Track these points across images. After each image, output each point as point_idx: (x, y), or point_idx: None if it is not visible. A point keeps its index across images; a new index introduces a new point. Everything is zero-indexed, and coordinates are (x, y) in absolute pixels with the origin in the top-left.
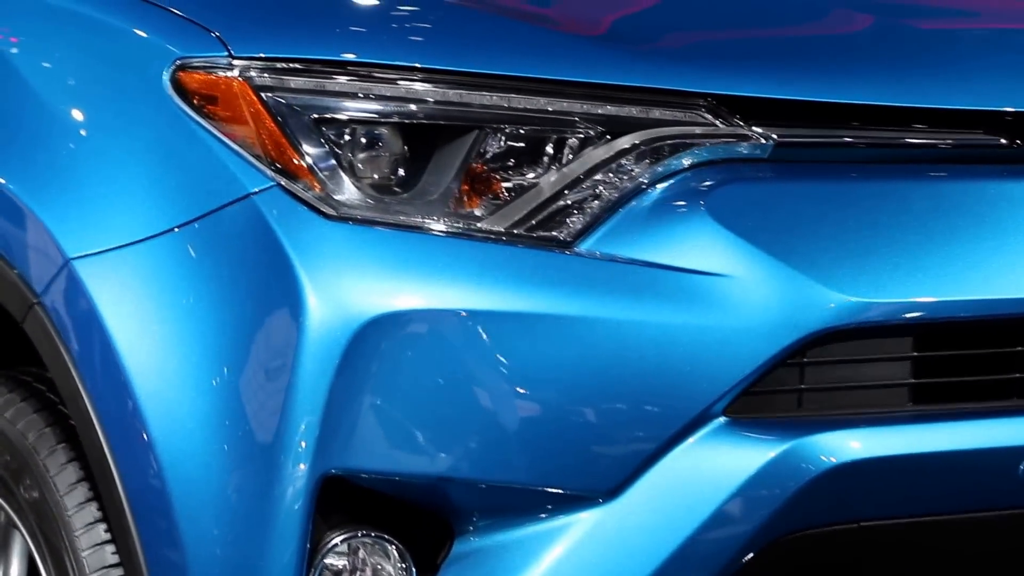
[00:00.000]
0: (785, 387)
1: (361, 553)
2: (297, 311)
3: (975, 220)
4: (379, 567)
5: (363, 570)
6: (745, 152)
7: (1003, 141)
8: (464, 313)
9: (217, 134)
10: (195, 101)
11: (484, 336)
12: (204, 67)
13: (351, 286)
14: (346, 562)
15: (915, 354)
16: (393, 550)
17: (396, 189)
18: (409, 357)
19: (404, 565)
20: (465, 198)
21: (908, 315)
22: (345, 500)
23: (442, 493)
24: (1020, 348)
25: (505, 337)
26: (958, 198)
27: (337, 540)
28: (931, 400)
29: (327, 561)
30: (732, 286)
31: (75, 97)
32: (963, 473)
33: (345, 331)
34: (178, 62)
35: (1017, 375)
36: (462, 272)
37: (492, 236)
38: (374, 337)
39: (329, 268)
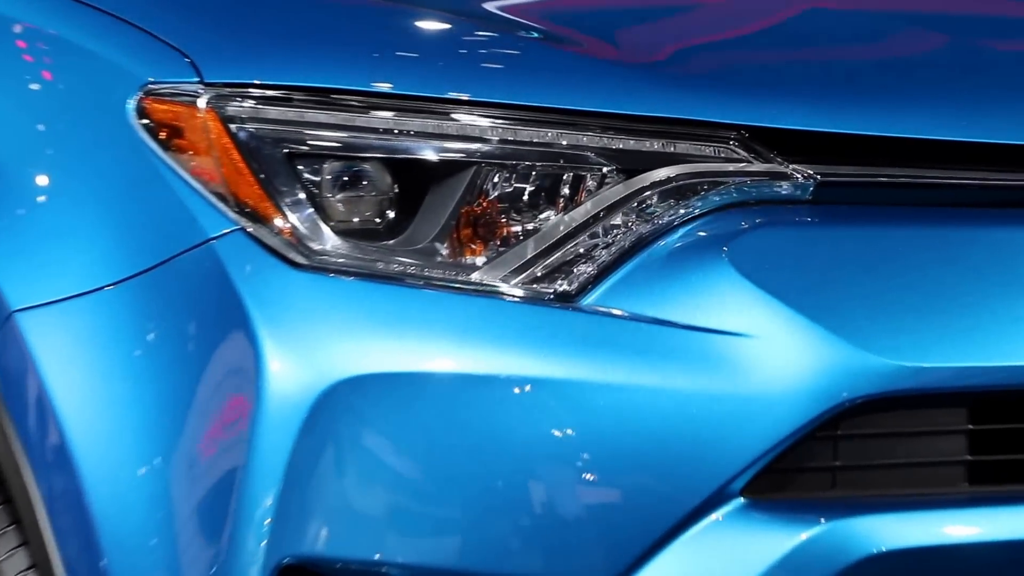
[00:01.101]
0: (815, 464)
1: None
2: (255, 377)
3: None
4: None
5: None
6: (783, 192)
7: None
8: (447, 378)
9: (179, 170)
10: (160, 134)
11: (471, 404)
12: (171, 94)
13: (318, 346)
14: None
15: (969, 427)
16: None
17: (382, 234)
18: (383, 429)
19: None
20: (459, 245)
21: (961, 382)
22: None
23: None
24: None
25: (495, 405)
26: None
27: None
28: (988, 480)
29: None
30: (754, 348)
31: (29, 126)
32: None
33: (307, 399)
34: (145, 88)
35: None
36: (448, 331)
37: (485, 289)
38: (342, 406)
39: (294, 325)
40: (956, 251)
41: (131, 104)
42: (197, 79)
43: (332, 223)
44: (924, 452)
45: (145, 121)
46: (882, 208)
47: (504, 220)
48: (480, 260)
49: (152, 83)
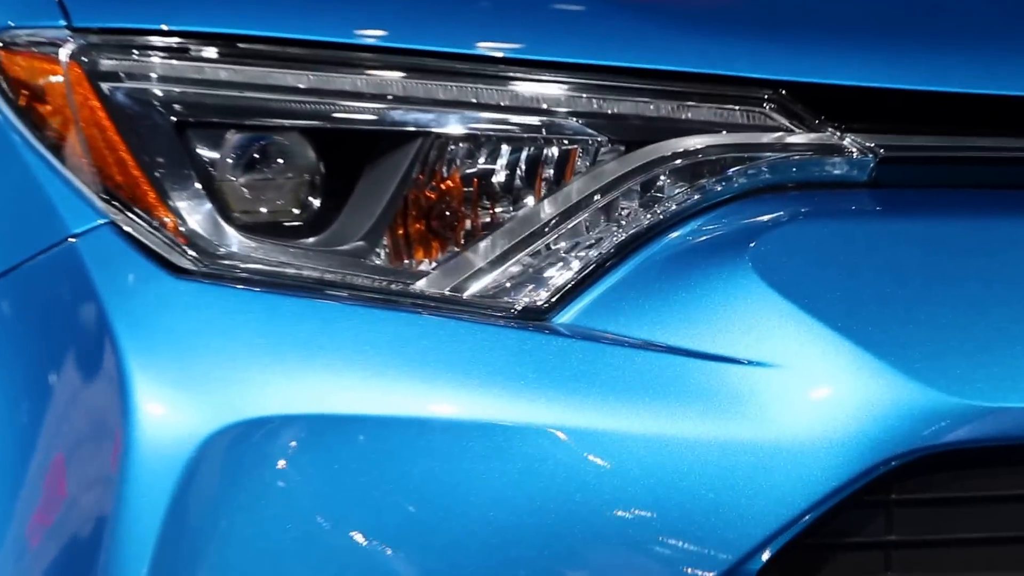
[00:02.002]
0: (863, 538)
1: None
2: (122, 421)
3: None
4: None
5: None
6: (833, 172)
7: None
8: (373, 421)
9: (38, 146)
10: (18, 97)
11: (402, 455)
12: (30, 44)
13: (205, 381)
14: None
15: None
16: None
17: (303, 230)
18: (290, 487)
19: None
20: (400, 244)
21: None
22: None
23: None
24: None
25: (434, 457)
26: None
27: None
28: None
29: None
30: (780, 382)
31: None
32: None
33: (189, 450)
34: (1, 36)
35: None
36: (376, 359)
37: (429, 303)
38: (236, 458)
39: (174, 353)
40: None
41: None
42: (64, 23)
43: (235, 215)
44: (1012, 524)
45: (6, 81)
46: (965, 194)
47: (459, 210)
48: (426, 264)
49: (11, 28)
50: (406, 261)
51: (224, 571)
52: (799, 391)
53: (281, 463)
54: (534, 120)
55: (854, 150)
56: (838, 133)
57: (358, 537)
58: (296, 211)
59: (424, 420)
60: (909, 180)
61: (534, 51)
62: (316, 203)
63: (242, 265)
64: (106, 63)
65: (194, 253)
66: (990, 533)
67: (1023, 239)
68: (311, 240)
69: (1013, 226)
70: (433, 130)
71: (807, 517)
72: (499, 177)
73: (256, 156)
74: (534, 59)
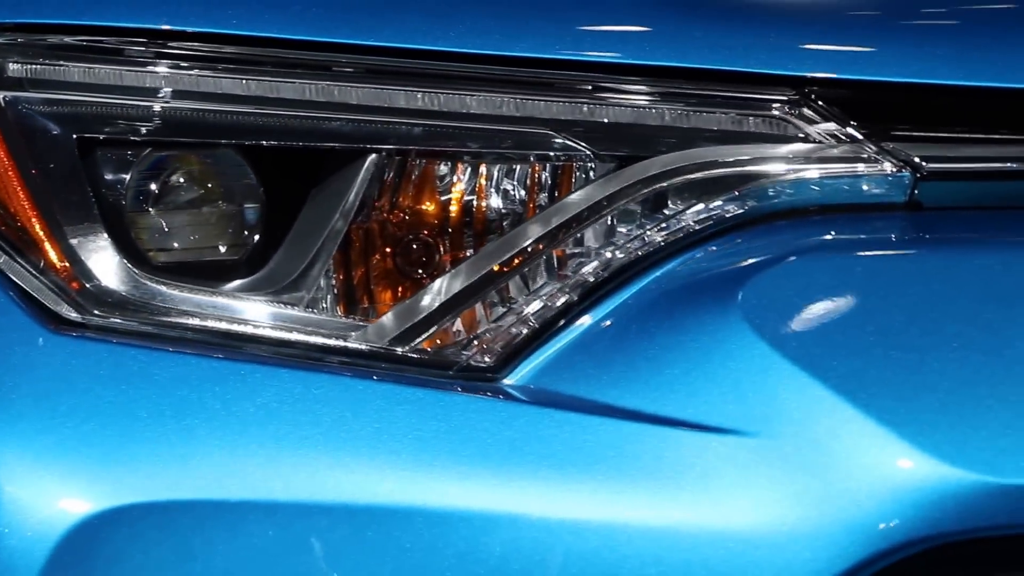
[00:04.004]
0: None
1: None
2: None
3: None
4: None
5: None
6: (865, 192)
7: None
8: (261, 507)
9: None
10: None
11: (313, 552)
12: None
13: (66, 458)
14: None
15: None
16: None
17: (242, 269)
18: None
19: None
20: (340, 286)
21: None
22: None
23: None
24: None
25: (352, 555)
26: None
27: None
28: None
29: None
30: (764, 454)
31: None
32: None
33: (43, 544)
34: None
35: None
36: (286, 431)
37: (357, 361)
38: (110, 552)
39: (40, 422)
40: None
41: None
42: None
43: (150, 253)
44: None
45: None
46: (1020, 216)
47: (405, 247)
48: (364, 311)
49: None
50: (338, 308)
51: None
52: (783, 466)
53: (154, 560)
54: (506, 129)
55: (889, 164)
56: (870, 142)
57: None
58: (224, 247)
59: (325, 506)
60: (960, 200)
61: (507, 47)
62: (254, 237)
63: (138, 317)
64: (4, 67)
65: (84, 301)
66: None
67: None
68: (239, 283)
69: None
70: (382, 148)
71: None
72: (456, 205)
73: (180, 181)
74: (507, 55)
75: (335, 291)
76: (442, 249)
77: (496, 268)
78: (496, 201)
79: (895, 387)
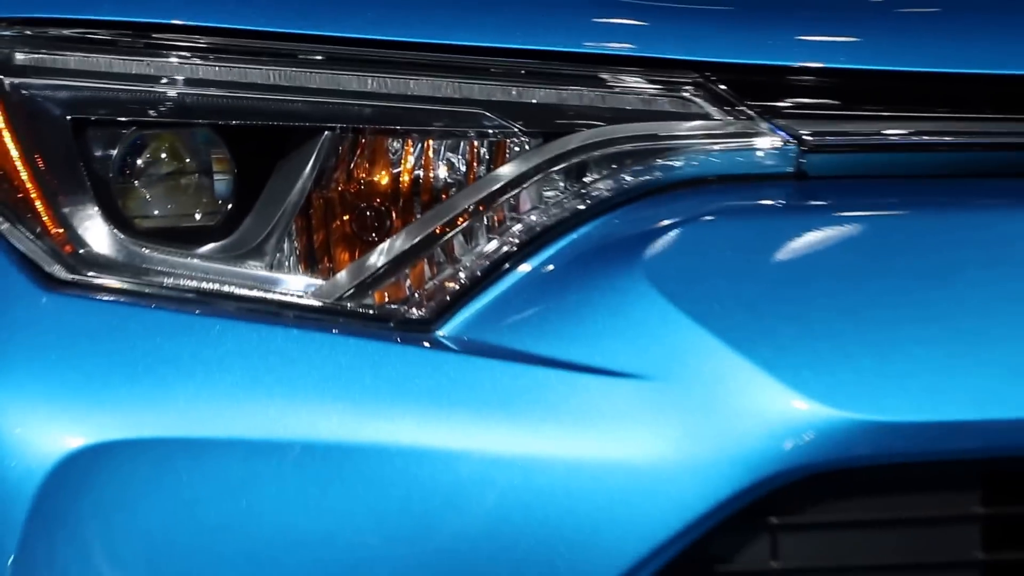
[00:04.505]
0: (744, 565)
1: None
2: None
3: None
4: None
5: None
6: (757, 163)
7: None
8: (236, 446)
9: None
10: None
11: (241, 484)
12: None
13: (55, 399)
14: None
15: (981, 511)
16: None
17: (216, 234)
18: (147, 514)
19: None
20: (298, 250)
21: (968, 445)
22: None
23: None
24: None
25: (286, 482)
26: None
27: None
28: None
29: None
30: (658, 395)
31: None
32: None
33: (35, 475)
34: None
35: None
36: (245, 379)
37: (309, 315)
38: (69, 486)
39: (30, 368)
40: (989, 246)
41: None
42: None
43: (136, 220)
44: (911, 549)
45: None
46: (906, 185)
47: (356, 213)
48: (315, 273)
49: None
50: (297, 269)
51: None
52: (674, 405)
53: (134, 488)
54: (442, 110)
55: (778, 138)
56: (762, 120)
57: (210, 562)
58: (200, 214)
59: (278, 442)
60: (841, 170)
61: (443, 35)
62: (227, 205)
63: (118, 276)
64: (11, 57)
65: (74, 263)
66: (882, 560)
67: (960, 236)
68: (212, 246)
69: (949, 220)
70: (333, 126)
71: (682, 542)
72: (404, 175)
73: (161, 156)
74: (444, 43)
75: (297, 253)
76: (393, 215)
77: (437, 231)
78: (440, 172)
79: (775, 337)
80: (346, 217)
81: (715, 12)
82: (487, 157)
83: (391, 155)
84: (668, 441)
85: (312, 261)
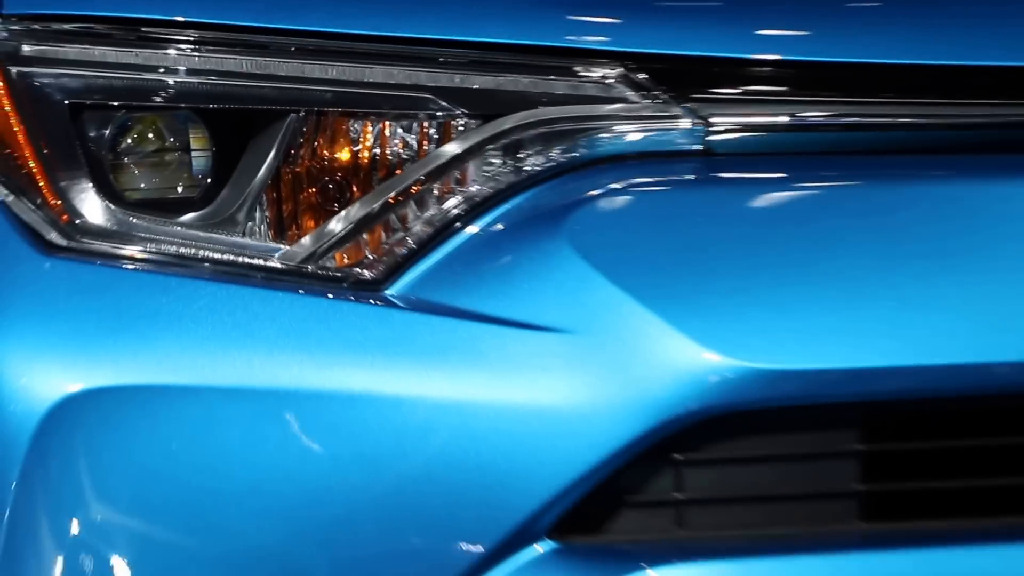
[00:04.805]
0: (652, 497)
1: None
2: None
3: (989, 245)
4: None
5: None
6: (670, 142)
7: None
8: (205, 392)
9: None
10: None
11: (210, 426)
12: None
13: (47, 352)
14: None
15: (859, 448)
16: None
17: (196, 205)
18: (109, 457)
19: None
20: (269, 219)
21: (839, 389)
22: None
23: None
24: None
25: (237, 427)
26: (969, 209)
27: None
28: (883, 516)
29: None
30: (569, 346)
31: None
32: None
33: (30, 418)
34: None
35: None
36: (215, 332)
37: (274, 276)
38: (66, 429)
39: (27, 325)
40: (868, 214)
41: None
42: None
43: (126, 192)
44: (799, 481)
45: None
46: (798, 161)
47: (319, 186)
48: (282, 239)
49: None
50: (267, 236)
51: (67, 509)
52: (591, 356)
53: (118, 427)
54: (397, 95)
55: (688, 121)
56: (674, 104)
57: (181, 493)
58: (182, 187)
59: (241, 389)
60: (743, 148)
61: (396, 28)
62: (207, 180)
63: (107, 242)
64: (18, 49)
65: (70, 231)
66: (773, 491)
67: (842, 205)
68: (192, 215)
69: (833, 191)
70: (298, 109)
71: (597, 476)
72: (363, 152)
73: (148, 136)
74: (396, 35)
75: (267, 222)
76: (352, 188)
77: (389, 201)
78: (393, 150)
79: (681, 295)
80: (311, 190)
81: (637, 8)
82: (435, 136)
83: (350, 135)
84: (585, 388)
85: (280, 229)
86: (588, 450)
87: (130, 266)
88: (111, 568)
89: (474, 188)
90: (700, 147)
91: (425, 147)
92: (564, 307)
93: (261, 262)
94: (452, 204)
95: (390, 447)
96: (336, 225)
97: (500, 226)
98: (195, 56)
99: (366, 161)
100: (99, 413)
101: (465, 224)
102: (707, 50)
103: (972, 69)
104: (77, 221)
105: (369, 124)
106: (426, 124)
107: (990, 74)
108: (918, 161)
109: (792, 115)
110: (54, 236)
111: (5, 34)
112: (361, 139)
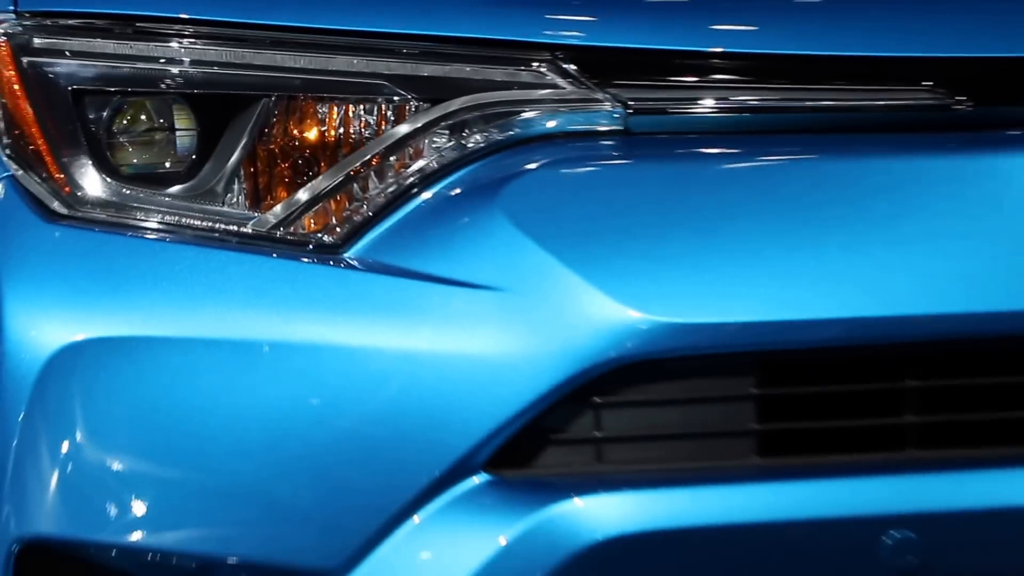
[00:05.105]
0: (573, 435)
1: None
2: None
3: (877, 210)
4: None
5: None
6: (594, 123)
7: (932, 101)
8: (182, 342)
9: None
10: None
11: (189, 373)
12: None
13: (48, 307)
14: None
15: (756, 392)
16: None
17: (182, 178)
18: (101, 399)
19: None
20: (245, 191)
21: (736, 341)
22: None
23: (161, 570)
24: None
25: (213, 374)
26: (861, 180)
27: None
28: (778, 452)
29: None
30: (502, 302)
31: None
32: (799, 551)
33: (33, 364)
34: None
35: (893, 419)
36: (192, 290)
37: (247, 241)
38: (64, 373)
39: (32, 283)
40: (763, 187)
41: None
42: (12, 7)
43: (121, 167)
44: (703, 421)
45: None
46: (705, 139)
47: (289, 161)
48: (257, 208)
49: None
50: (242, 206)
51: (64, 439)
52: (521, 311)
53: (109, 373)
54: (352, 82)
55: (609, 104)
56: (598, 90)
57: (167, 431)
58: (169, 163)
59: (215, 340)
60: (660, 128)
61: (356, 23)
62: (191, 156)
63: (100, 211)
64: (30, 41)
65: (71, 201)
66: (680, 430)
67: (743, 178)
68: (178, 188)
69: (735, 166)
70: (269, 94)
71: (525, 417)
72: (320, 132)
73: (141, 118)
74: (357, 29)
75: (244, 193)
76: (319, 163)
77: (349, 174)
78: (354, 129)
79: (601, 257)
80: (282, 165)
81: (569, 4)
82: (391, 118)
83: (317, 116)
84: (516, 339)
85: (255, 199)
86: (518, 394)
87: (123, 232)
88: (100, 487)
89: (423, 163)
90: (620, 127)
91: (382, 127)
92: (498, 268)
93: (237, 228)
94: (404, 177)
95: (346, 392)
96: (303, 195)
97: (445, 196)
98: (182, 48)
99: (330, 139)
100: (93, 359)
101: (415, 195)
102: (627, 42)
103: (847, 59)
104: (78, 193)
105: (334, 107)
106: (383, 107)
107: (858, 63)
108: (804, 140)
109: (700, 100)
110: (57, 206)
111: (19, 28)
112: (326, 120)
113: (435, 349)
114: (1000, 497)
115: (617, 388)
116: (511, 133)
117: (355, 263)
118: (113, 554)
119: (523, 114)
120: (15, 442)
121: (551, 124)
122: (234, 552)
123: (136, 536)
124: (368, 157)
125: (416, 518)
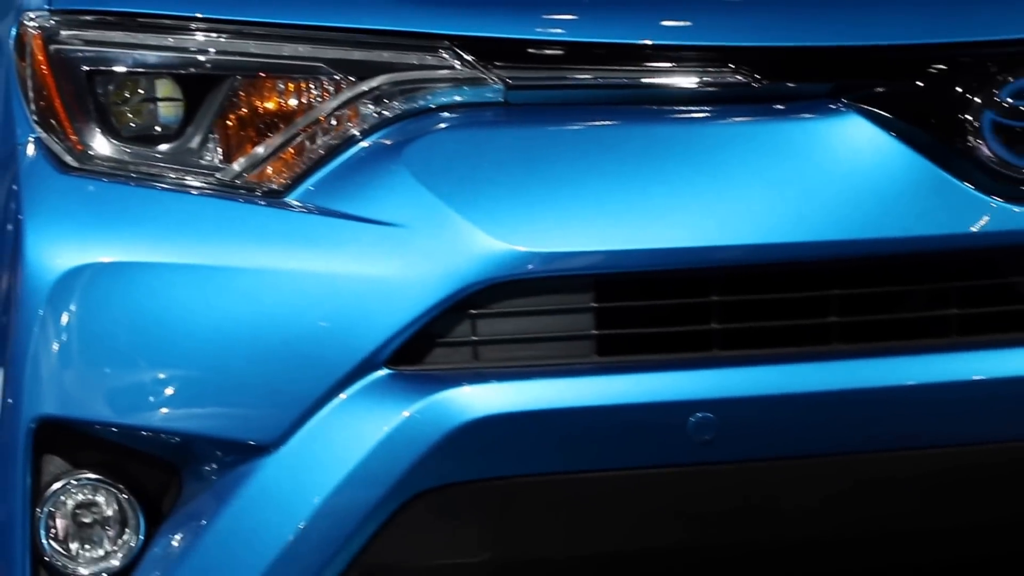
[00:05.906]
0: (454, 339)
1: (85, 498)
2: (16, 259)
3: (692, 164)
4: (106, 514)
5: (88, 518)
6: (480, 96)
7: (737, 79)
8: (152, 268)
9: (21, 84)
10: (22, 52)
11: (167, 289)
12: (27, 21)
13: (60, 238)
14: (71, 511)
15: (595, 305)
16: (119, 496)
17: (171, 140)
18: (99, 309)
19: (131, 511)
20: (215, 150)
21: (580, 265)
22: (68, 445)
23: (147, 442)
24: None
25: (184, 290)
26: (680, 140)
27: (59, 486)
28: (611, 352)
29: (50, 509)
30: (403, 235)
31: None
32: (627, 428)
33: (48, 281)
34: (23, 14)
35: (682, 328)
36: (166, 227)
37: (212, 188)
38: (71, 288)
39: (48, 219)
40: (612, 147)
41: (14, 29)
42: (47, 6)
43: (122, 130)
44: (555, 328)
45: (19, 43)
46: (570, 108)
47: (251, 126)
48: (221, 162)
49: (25, 11)
50: (211, 161)
51: (71, 342)
52: (413, 241)
53: (104, 290)
54: (302, 64)
55: (492, 81)
56: (485, 69)
57: (150, 335)
58: (160, 127)
59: (184, 265)
60: (533, 100)
61: (300, 17)
62: (179, 120)
63: (103, 165)
64: (57, 32)
65: (82, 156)
66: (536, 335)
67: (589, 139)
68: (167, 146)
69: (592, 129)
70: (235, 73)
71: (417, 325)
72: (272, 103)
73: (139, 92)
74: (301, 23)
75: (218, 151)
76: (274, 127)
77: (296, 133)
78: (301, 100)
79: (478, 200)
80: (246, 128)
81: (465, 1)
82: (329, 91)
83: (273, 91)
84: (410, 264)
85: (227, 156)
86: (412, 307)
87: (121, 182)
88: (98, 376)
89: (350, 127)
90: (501, 100)
91: (322, 99)
92: (400, 209)
93: (207, 177)
94: (334, 138)
95: (282, 306)
96: (260, 151)
97: (365, 153)
98: (172, 38)
99: (282, 109)
100: (93, 278)
101: (342, 151)
102: (508, 33)
103: (674, 46)
104: (87, 151)
105: (286, 83)
106: (323, 83)
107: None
108: (640, 110)
109: (566, 78)
110: (70, 160)
111: (51, 23)
112: (280, 94)
113: (349, 271)
114: (780, 386)
115: (488, 302)
116: (416, 104)
117: (294, 204)
118: (114, 431)
119: (427, 89)
120: (32, 342)
121: (448, 98)
122: (202, 429)
123: (125, 416)
124: (309, 122)
125: (334, 403)
